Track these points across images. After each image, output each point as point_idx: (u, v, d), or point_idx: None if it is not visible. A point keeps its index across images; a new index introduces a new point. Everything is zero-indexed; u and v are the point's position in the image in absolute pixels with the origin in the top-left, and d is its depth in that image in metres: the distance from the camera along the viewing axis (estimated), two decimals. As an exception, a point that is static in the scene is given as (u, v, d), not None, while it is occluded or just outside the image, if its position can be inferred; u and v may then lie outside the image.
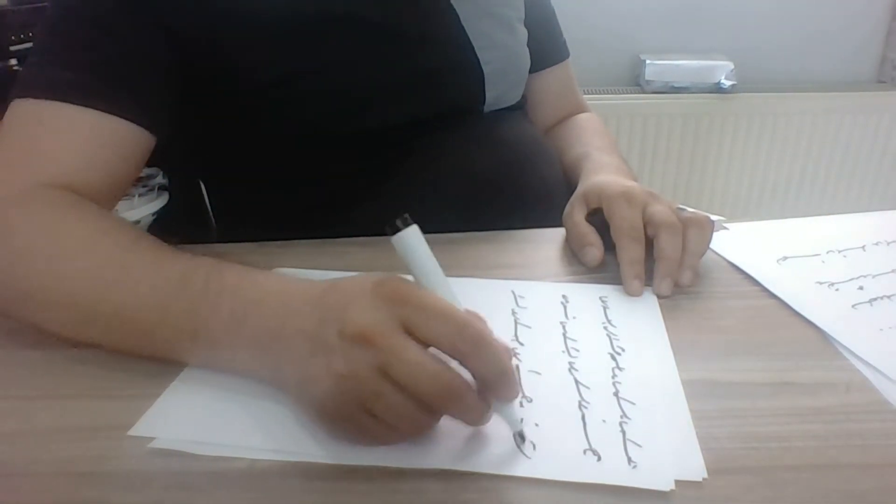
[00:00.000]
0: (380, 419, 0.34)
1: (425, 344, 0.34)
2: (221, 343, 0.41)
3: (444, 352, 0.34)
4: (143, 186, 1.13)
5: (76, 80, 0.53)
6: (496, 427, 0.37)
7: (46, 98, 0.52)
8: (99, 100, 0.53)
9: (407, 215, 0.35)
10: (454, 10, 0.67)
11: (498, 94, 0.71)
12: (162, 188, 1.13)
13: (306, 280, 0.41)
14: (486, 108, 0.70)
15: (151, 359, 0.44)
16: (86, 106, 0.52)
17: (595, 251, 0.55)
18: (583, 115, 0.87)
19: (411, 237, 0.35)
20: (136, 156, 0.57)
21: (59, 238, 0.48)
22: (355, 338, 0.34)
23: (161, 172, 1.13)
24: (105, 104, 0.53)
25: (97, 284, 0.45)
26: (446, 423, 0.37)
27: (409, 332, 0.34)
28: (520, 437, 0.36)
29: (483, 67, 0.68)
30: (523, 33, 0.76)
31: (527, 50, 0.76)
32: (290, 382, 0.39)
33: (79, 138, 0.53)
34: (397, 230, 0.35)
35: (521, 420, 0.37)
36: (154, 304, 0.43)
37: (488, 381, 0.35)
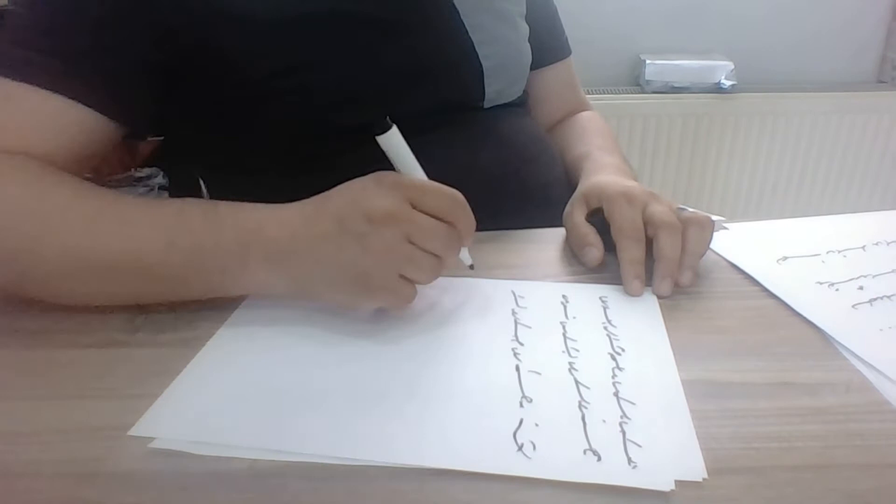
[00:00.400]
0: (407, 280, 0.45)
1: (428, 214, 0.44)
2: (230, 268, 0.46)
3: (442, 217, 0.45)
4: (144, 186, 1.13)
5: (48, 65, 0.53)
6: (496, 427, 0.38)
7: (14, 79, 0.52)
8: (66, 86, 0.53)
9: (388, 117, 0.46)
10: (454, 4, 0.67)
11: (498, 89, 0.70)
12: (162, 188, 1.13)
13: (291, 203, 0.48)
14: (487, 104, 0.70)
15: (154, 300, 0.47)
16: (53, 91, 0.53)
17: (595, 252, 0.55)
18: (585, 114, 0.87)
19: (395, 136, 0.46)
20: (99, 143, 0.58)
21: (43, 195, 0.49)
22: (384, 218, 0.43)
23: (161, 172, 1.13)
24: (72, 91, 0.54)
25: (95, 231, 0.47)
26: (446, 423, 0.37)
27: (415, 208, 0.44)
28: (471, 268, 0.52)
29: (482, 62, 0.68)
30: (524, 29, 0.76)
31: (528, 45, 0.76)
32: (318, 283, 0.46)
33: (43, 120, 0.53)
34: (384, 130, 0.45)
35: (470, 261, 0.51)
36: (157, 242, 0.46)
37: (467, 233, 0.47)
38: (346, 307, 0.48)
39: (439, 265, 0.46)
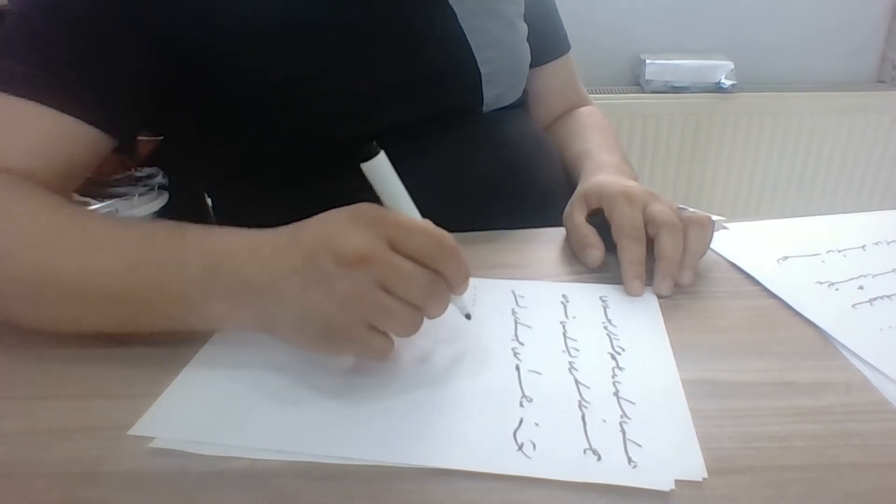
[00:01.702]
0: (378, 331, 0.39)
1: (409, 257, 0.38)
2: (193, 300, 0.42)
3: (424, 262, 0.39)
4: (144, 186, 1.13)
5: (33, 76, 0.53)
6: (496, 427, 0.38)
7: (3, 91, 0.52)
8: (55, 98, 0.53)
9: (375, 142, 0.39)
10: (451, 8, 0.66)
11: (497, 93, 0.70)
12: (162, 188, 1.13)
13: (265, 230, 0.43)
14: (486, 108, 0.70)
15: (120, 330, 0.44)
16: (41, 103, 0.52)
17: (596, 252, 0.55)
18: (584, 109, 0.87)
19: (381, 163, 0.40)
20: (86, 155, 0.56)
21: (9, 213, 0.47)
22: (354, 260, 0.38)
23: (161, 172, 1.13)
24: (60, 103, 0.53)
25: (57, 251, 0.45)
26: (446, 423, 0.37)
27: (394, 249, 0.38)
28: (468, 318, 0.45)
29: (481, 68, 0.68)
30: (523, 29, 0.76)
31: (527, 46, 0.76)
32: (281, 322, 0.41)
33: (28, 132, 0.53)
34: (369, 157, 0.39)
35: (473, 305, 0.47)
36: (120, 268, 0.44)
37: (457, 282, 0.41)
38: (312, 353, 0.42)
39: (417, 317, 0.40)
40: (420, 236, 0.39)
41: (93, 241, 0.46)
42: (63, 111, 0.53)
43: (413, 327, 0.40)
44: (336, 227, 0.40)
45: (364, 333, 0.39)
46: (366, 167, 0.39)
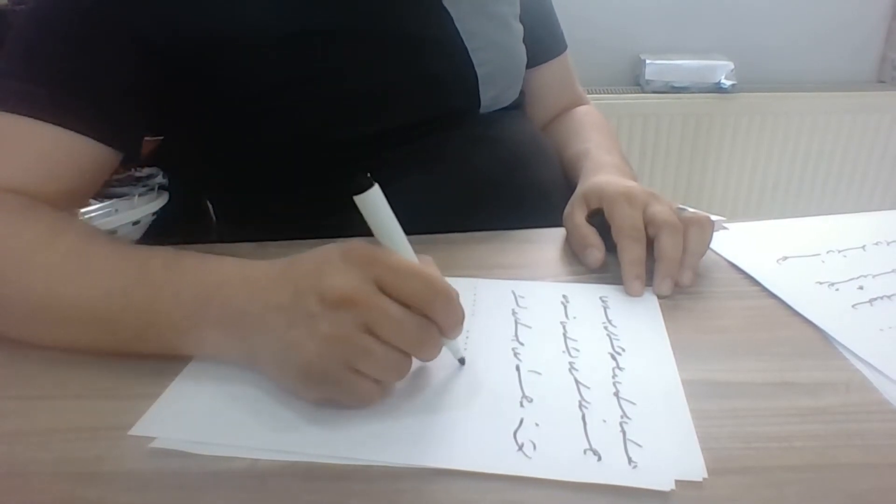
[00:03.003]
0: (363, 375, 0.37)
1: (398, 300, 0.37)
2: (185, 328, 0.42)
3: (414, 306, 0.37)
4: (143, 186, 1.13)
5: (36, 94, 0.52)
6: (497, 427, 0.38)
7: (4, 110, 0.52)
8: (56, 114, 0.52)
9: (368, 174, 0.37)
10: (447, 11, 0.66)
11: (494, 94, 0.70)
12: (162, 188, 1.13)
13: (262, 261, 0.42)
14: (483, 110, 0.70)
15: (114, 353, 0.44)
16: (42, 120, 0.52)
17: (597, 253, 0.55)
18: (582, 108, 0.87)
19: (374, 196, 0.37)
20: (93, 170, 0.56)
21: (11, 237, 0.47)
22: (338, 301, 0.36)
23: (161, 172, 1.13)
24: (61, 119, 0.53)
25: (54, 279, 0.45)
26: (446, 423, 0.37)
27: (383, 291, 0.37)
28: (461, 362, 0.43)
29: (477, 70, 0.68)
30: (519, 30, 0.75)
31: (523, 47, 0.76)
32: (265, 358, 0.40)
33: (33, 150, 0.53)
34: (361, 189, 0.37)
35: (465, 349, 0.43)
36: (115, 293, 0.44)
37: (449, 328, 0.39)
38: (294, 394, 0.40)
39: (405, 361, 0.38)
40: (410, 279, 0.37)
41: (89, 267, 0.46)
42: (67, 127, 0.53)
43: (399, 373, 0.38)
44: (325, 264, 0.38)
45: (346, 377, 0.37)
46: (358, 200, 0.37)
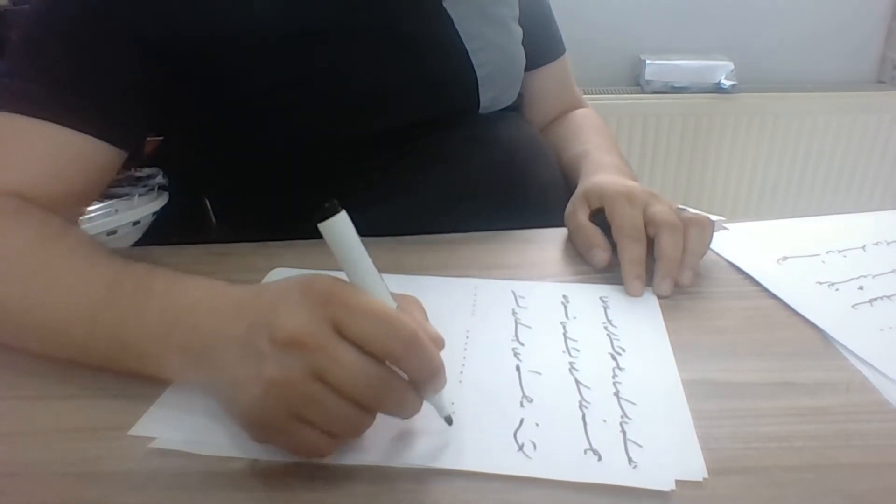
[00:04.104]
0: (312, 425, 0.33)
1: (356, 345, 0.33)
2: (149, 352, 0.40)
3: (375, 353, 0.33)
4: (143, 186, 1.13)
5: (39, 94, 0.52)
6: (497, 427, 0.37)
7: (8, 111, 0.52)
8: (59, 114, 0.52)
9: (336, 201, 0.33)
10: (447, 12, 0.66)
11: (493, 96, 0.70)
12: (162, 188, 1.13)
13: (240, 285, 0.40)
14: (483, 111, 0.70)
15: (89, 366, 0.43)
16: (46, 119, 0.52)
17: (602, 253, 0.55)
18: (580, 112, 0.87)
19: (340, 224, 0.34)
20: (98, 169, 0.56)
21: None
22: (287, 342, 0.33)
23: (161, 172, 1.13)
24: (65, 118, 0.53)
25: (28, 292, 0.45)
26: (445, 424, 0.37)
27: (340, 333, 0.33)
28: (448, 421, 0.37)
29: (477, 71, 0.68)
30: (518, 32, 0.76)
31: (522, 49, 0.76)
32: (219, 390, 0.37)
33: (37, 151, 0.52)
34: (325, 216, 0.33)
35: (453, 404, 0.38)
36: (84, 314, 0.43)
37: (420, 380, 0.34)
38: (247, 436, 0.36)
39: (359, 416, 0.34)
40: (369, 320, 0.33)
41: (62, 284, 0.45)
42: (70, 127, 0.53)
43: (352, 427, 0.34)
44: (282, 299, 0.35)
45: (290, 425, 0.33)
46: (323, 228, 0.33)
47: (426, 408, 0.37)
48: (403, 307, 0.36)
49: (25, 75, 0.53)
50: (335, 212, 0.33)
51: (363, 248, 0.35)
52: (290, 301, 0.34)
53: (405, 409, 0.35)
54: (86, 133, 0.54)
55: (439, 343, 0.36)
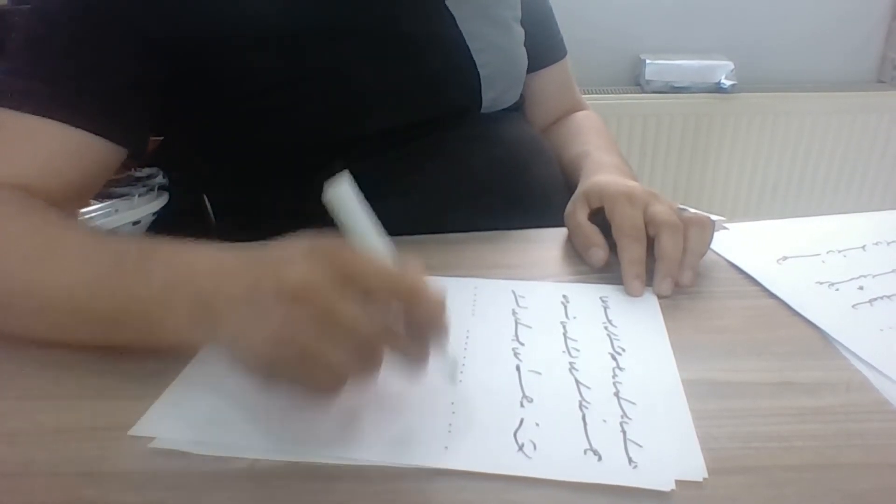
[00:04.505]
0: (320, 369, 0.35)
1: (361, 297, 0.35)
2: (155, 316, 0.41)
3: (379, 301, 0.35)
4: (143, 186, 1.13)
5: (40, 91, 0.53)
6: (497, 427, 0.37)
7: (10, 107, 0.52)
8: (60, 111, 0.53)
9: (343, 170, 0.36)
10: (450, 12, 0.67)
11: (495, 96, 0.70)
12: (162, 188, 1.13)
13: (236, 251, 0.41)
14: (484, 111, 0.70)
15: (91, 343, 0.44)
16: (47, 117, 0.52)
17: (600, 252, 0.55)
18: (581, 113, 0.87)
19: (344, 189, 0.37)
20: (97, 166, 0.57)
21: None
22: (293, 294, 0.34)
23: (161, 172, 1.13)
24: (66, 115, 0.53)
25: (33, 271, 0.46)
26: (445, 424, 0.37)
27: (346, 287, 0.35)
28: (451, 380, 0.39)
29: (479, 70, 0.68)
30: (520, 33, 0.76)
31: (524, 50, 0.76)
32: (225, 343, 0.39)
33: (38, 147, 0.53)
34: (332, 183, 0.36)
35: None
36: (90, 282, 0.44)
37: (422, 329, 0.36)
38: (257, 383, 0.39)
39: (358, 363, 0.35)
40: (373, 272, 0.36)
41: (66, 255, 0.46)
42: (72, 124, 0.53)
43: (362, 363, 0.36)
44: (287, 255, 0.37)
45: (300, 371, 0.35)
46: (331, 195, 0.36)
47: (426, 407, 0.37)
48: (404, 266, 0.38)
49: (26, 72, 0.54)
50: (340, 180, 0.36)
51: (366, 214, 0.37)
52: (294, 258, 0.36)
53: (409, 352, 0.37)
54: (85, 129, 0.54)
55: (440, 294, 0.37)
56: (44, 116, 0.52)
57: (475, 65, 0.67)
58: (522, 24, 0.76)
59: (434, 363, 0.37)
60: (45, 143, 0.53)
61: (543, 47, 0.82)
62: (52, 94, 0.53)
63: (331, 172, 0.36)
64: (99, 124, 0.55)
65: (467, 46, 0.67)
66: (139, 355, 0.45)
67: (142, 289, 0.42)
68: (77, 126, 0.53)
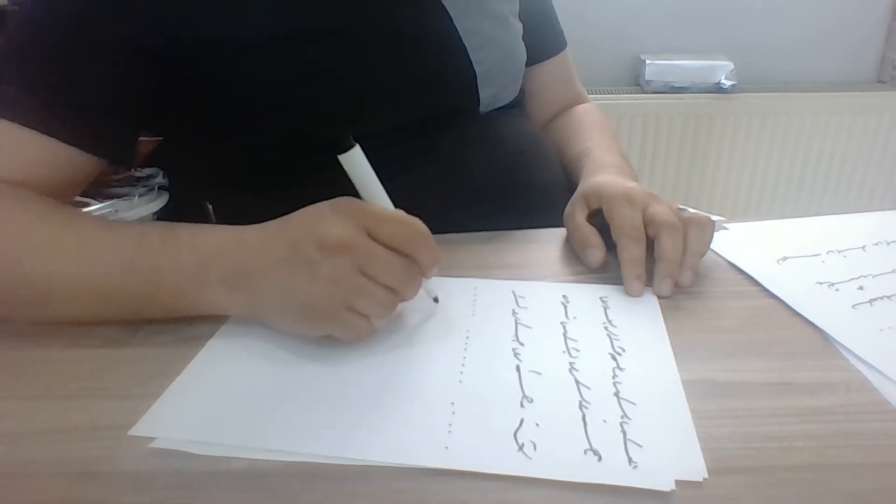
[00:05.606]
0: (357, 312, 0.43)
1: (385, 245, 0.42)
2: (189, 291, 0.46)
3: (398, 248, 0.43)
4: (143, 186, 1.13)
5: (24, 100, 0.53)
6: (497, 427, 0.38)
7: None
8: (42, 122, 0.53)
9: (351, 136, 0.44)
10: (445, 9, 0.66)
11: (493, 93, 0.70)
12: (162, 188, 1.13)
13: (252, 226, 0.46)
14: (483, 108, 0.70)
15: (117, 321, 0.47)
16: (28, 127, 0.53)
17: (597, 252, 0.55)
18: (581, 107, 0.86)
19: (357, 156, 0.44)
20: (80, 174, 0.57)
21: (5, 219, 0.49)
22: (336, 247, 0.41)
23: (161, 172, 1.13)
24: (47, 128, 0.53)
25: (54, 256, 0.48)
26: (447, 423, 0.37)
27: (372, 237, 0.42)
28: (435, 301, 0.50)
29: (475, 68, 0.67)
30: (518, 27, 0.75)
31: (522, 45, 0.75)
32: (268, 308, 0.45)
33: (19, 156, 0.53)
34: (346, 149, 0.44)
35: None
36: (116, 266, 0.47)
37: (428, 266, 0.44)
38: (294, 334, 0.45)
39: (393, 299, 0.44)
40: (394, 224, 0.43)
41: (88, 244, 0.48)
42: (51, 136, 0.53)
43: (389, 308, 0.44)
44: (318, 218, 0.43)
45: (344, 314, 0.43)
46: (342, 159, 0.44)
47: (425, 408, 0.37)
48: None
49: (11, 80, 0.54)
50: (351, 145, 0.44)
51: (374, 174, 0.45)
52: (326, 218, 0.43)
53: (416, 290, 0.45)
54: (67, 143, 0.54)
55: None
56: (25, 126, 0.52)
57: (471, 62, 0.67)
58: (521, 17, 0.76)
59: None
60: (25, 150, 0.53)
61: (543, 40, 0.81)
62: (36, 105, 0.53)
63: (342, 143, 0.43)
64: (81, 138, 0.55)
65: (463, 44, 0.67)
66: (139, 355, 0.45)
67: (172, 268, 0.46)
68: (58, 139, 0.54)
